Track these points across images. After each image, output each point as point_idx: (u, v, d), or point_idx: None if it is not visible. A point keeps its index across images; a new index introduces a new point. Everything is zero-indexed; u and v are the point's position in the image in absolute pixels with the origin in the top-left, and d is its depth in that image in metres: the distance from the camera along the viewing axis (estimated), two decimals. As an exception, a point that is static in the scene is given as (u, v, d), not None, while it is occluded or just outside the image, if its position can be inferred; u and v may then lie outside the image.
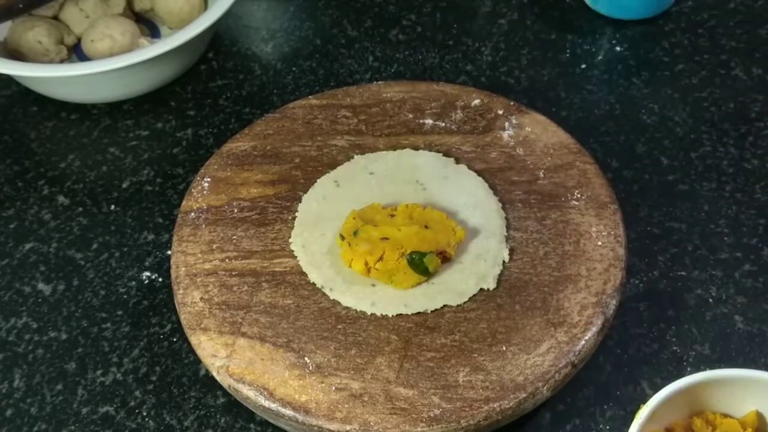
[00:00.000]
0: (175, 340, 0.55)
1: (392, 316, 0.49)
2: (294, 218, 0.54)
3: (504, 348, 0.47)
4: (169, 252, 0.55)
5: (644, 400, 0.44)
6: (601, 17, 0.74)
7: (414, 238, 0.49)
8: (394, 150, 0.57)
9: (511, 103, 0.59)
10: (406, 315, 0.49)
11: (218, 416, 0.51)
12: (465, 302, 0.49)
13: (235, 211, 0.55)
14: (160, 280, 0.58)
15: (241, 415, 0.51)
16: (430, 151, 0.57)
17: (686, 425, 0.45)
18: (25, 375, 0.54)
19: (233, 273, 0.51)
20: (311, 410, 0.45)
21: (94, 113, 0.70)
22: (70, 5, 0.72)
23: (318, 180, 0.56)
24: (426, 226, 0.50)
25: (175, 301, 0.51)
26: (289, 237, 0.53)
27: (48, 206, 0.63)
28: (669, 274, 0.56)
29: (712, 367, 0.46)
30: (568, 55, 0.72)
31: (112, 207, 0.63)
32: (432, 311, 0.49)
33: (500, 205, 0.54)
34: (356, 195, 0.55)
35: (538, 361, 0.46)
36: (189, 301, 0.50)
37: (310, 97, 0.61)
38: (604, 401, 0.51)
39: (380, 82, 0.62)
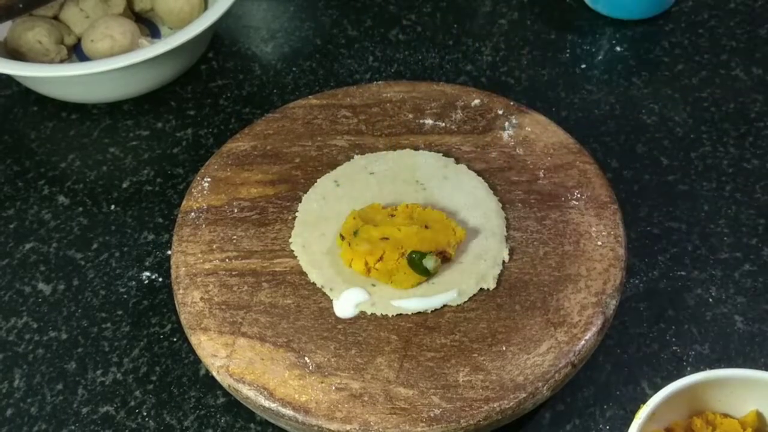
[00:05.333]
0: (175, 340, 0.55)
1: (392, 316, 0.49)
2: (294, 218, 0.54)
3: (504, 348, 0.47)
4: (169, 252, 0.55)
5: (644, 400, 0.44)
6: (601, 17, 0.74)
7: (414, 238, 0.49)
8: (394, 150, 0.57)
9: (511, 103, 0.59)
10: (406, 315, 0.49)
11: (218, 416, 0.51)
12: (465, 302, 0.49)
13: (235, 211, 0.55)
14: (160, 280, 0.58)
15: (241, 415, 0.51)
16: (430, 151, 0.57)
17: (686, 425, 0.45)
18: (26, 375, 0.54)
19: (233, 273, 0.51)
20: (311, 410, 0.45)
21: (94, 113, 0.70)
22: (71, 5, 0.72)
23: (318, 180, 0.56)
24: (426, 226, 0.50)
25: (175, 301, 0.51)
26: (289, 237, 0.53)
27: (48, 206, 0.63)
28: (669, 274, 0.56)
29: (712, 367, 0.46)
30: (568, 55, 0.72)
31: (112, 207, 0.63)
32: (432, 311, 0.49)
33: (500, 205, 0.54)
34: (356, 195, 0.55)
35: (538, 361, 0.46)
36: (189, 300, 0.50)
37: (310, 97, 0.61)
38: (604, 401, 0.51)
39: (380, 82, 0.62)
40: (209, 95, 0.70)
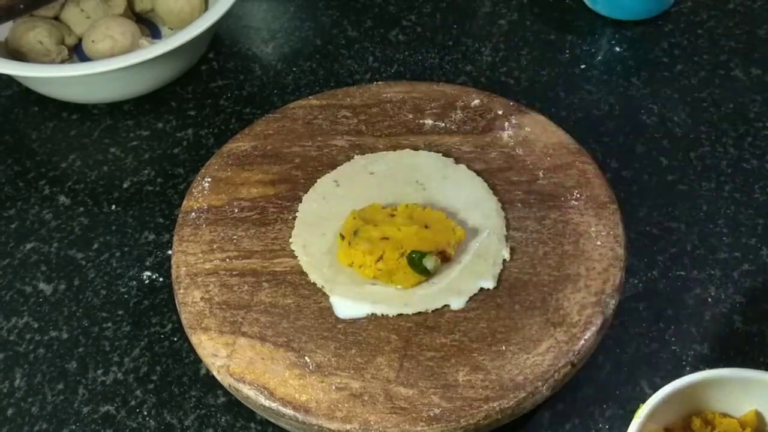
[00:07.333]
0: (175, 339, 0.55)
1: (392, 315, 0.49)
2: (294, 218, 0.54)
3: (504, 347, 0.47)
4: (170, 252, 0.55)
5: (643, 400, 0.44)
6: (601, 18, 0.74)
7: (414, 238, 0.49)
8: (394, 150, 0.58)
9: (511, 104, 0.59)
10: (406, 315, 0.49)
11: (219, 415, 0.51)
12: (465, 302, 0.50)
13: (236, 211, 0.55)
14: (161, 279, 0.58)
15: (242, 414, 0.51)
16: (430, 151, 0.57)
17: (685, 425, 0.45)
18: (26, 374, 0.54)
19: (234, 273, 0.51)
20: (311, 409, 0.45)
21: (94, 113, 0.70)
22: (71, 6, 0.72)
23: (318, 180, 0.56)
24: (426, 226, 0.50)
25: (176, 301, 0.51)
26: (290, 237, 0.53)
27: (49, 206, 0.63)
28: (668, 273, 0.56)
29: (711, 367, 0.46)
30: (567, 55, 0.72)
31: (113, 207, 0.63)
32: (432, 311, 0.49)
33: (500, 205, 0.54)
34: (356, 195, 0.55)
35: (537, 360, 0.46)
36: (189, 300, 0.50)
37: (310, 97, 0.61)
38: (604, 401, 0.51)
39: (380, 83, 0.62)
40: (210, 95, 0.71)
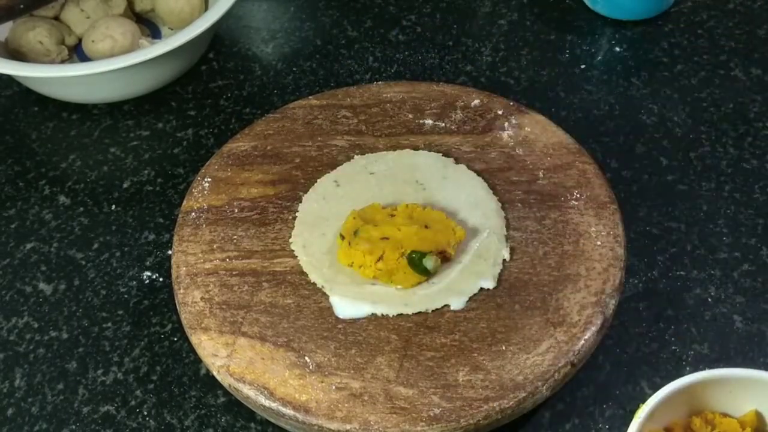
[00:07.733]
0: (175, 339, 0.55)
1: (392, 315, 0.49)
2: (294, 218, 0.54)
3: (504, 347, 0.47)
4: (170, 252, 0.55)
5: (643, 400, 0.44)
6: (601, 18, 0.74)
7: (414, 238, 0.50)
8: (394, 150, 0.58)
9: (511, 104, 0.59)
10: (406, 315, 0.49)
11: (219, 415, 0.51)
12: (465, 302, 0.50)
13: (236, 211, 0.55)
14: (161, 279, 0.58)
15: (242, 414, 0.51)
16: (430, 151, 0.57)
17: (685, 424, 0.45)
18: (26, 374, 0.54)
19: (234, 273, 0.51)
20: (311, 409, 0.45)
21: (95, 113, 0.70)
22: (71, 6, 0.72)
23: (318, 180, 0.56)
24: (426, 226, 0.50)
25: (176, 301, 0.51)
26: (290, 237, 0.53)
27: (49, 206, 0.63)
28: (668, 273, 0.56)
29: (711, 367, 0.46)
30: (567, 55, 0.72)
31: (113, 207, 0.63)
32: (432, 311, 0.49)
33: (500, 204, 0.54)
34: (356, 195, 0.55)
35: (537, 360, 0.46)
36: (189, 300, 0.50)
37: (310, 97, 0.61)
38: (604, 401, 0.51)
39: (380, 83, 0.62)
40: (210, 95, 0.71)
